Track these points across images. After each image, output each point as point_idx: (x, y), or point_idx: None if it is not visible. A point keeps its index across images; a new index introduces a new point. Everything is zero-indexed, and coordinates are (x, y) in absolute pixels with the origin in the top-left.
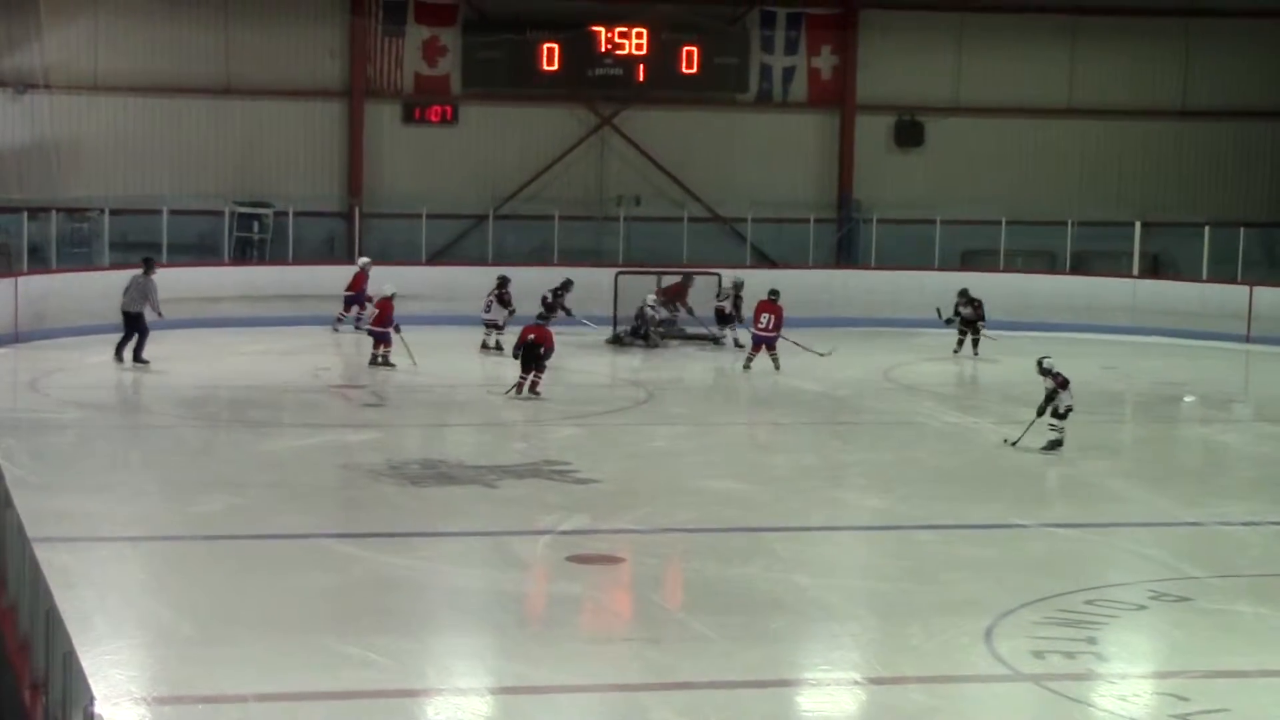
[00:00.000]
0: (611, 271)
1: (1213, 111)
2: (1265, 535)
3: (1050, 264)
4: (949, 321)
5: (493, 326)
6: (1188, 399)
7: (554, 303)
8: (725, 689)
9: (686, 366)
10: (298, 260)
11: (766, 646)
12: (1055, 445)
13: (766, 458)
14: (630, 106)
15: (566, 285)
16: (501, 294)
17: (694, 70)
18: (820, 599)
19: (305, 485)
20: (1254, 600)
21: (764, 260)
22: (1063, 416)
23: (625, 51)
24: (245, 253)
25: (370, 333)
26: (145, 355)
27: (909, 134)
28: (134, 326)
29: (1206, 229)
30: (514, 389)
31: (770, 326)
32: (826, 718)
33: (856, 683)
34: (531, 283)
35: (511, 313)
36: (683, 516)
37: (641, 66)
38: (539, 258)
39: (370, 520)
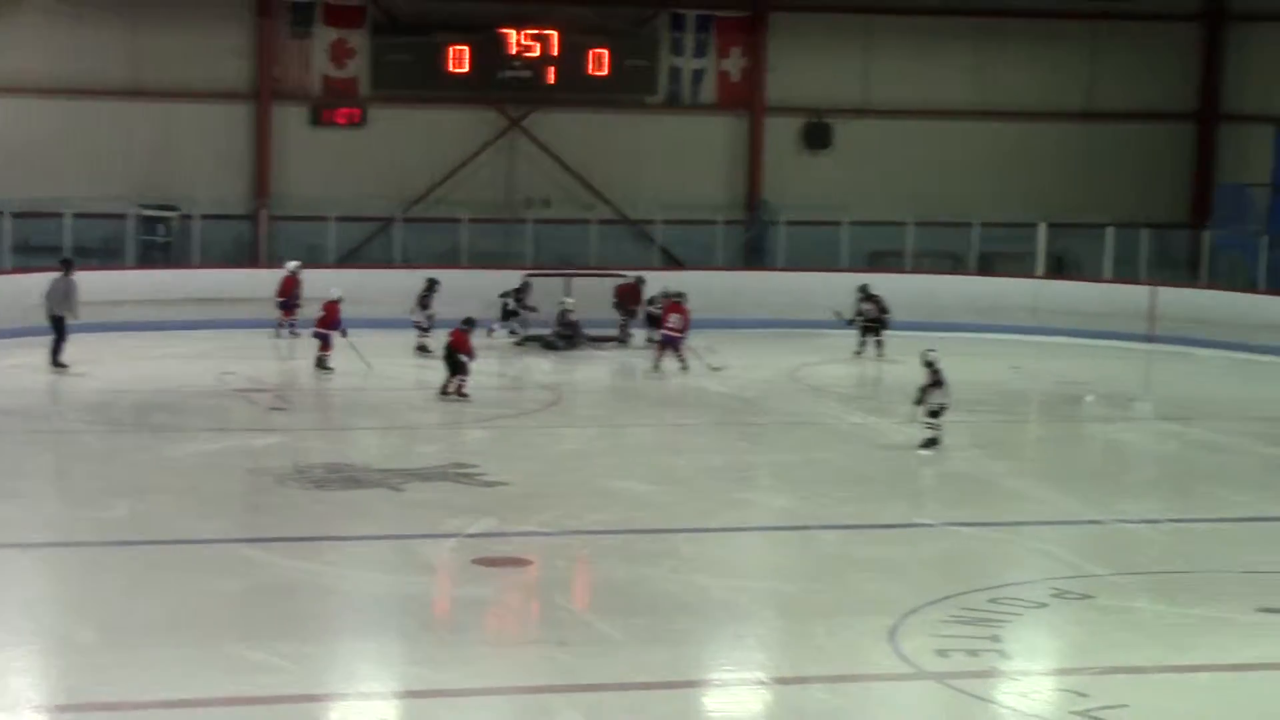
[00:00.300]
0: (520, 274)
1: (1117, 114)
2: (1165, 533)
3: (956, 265)
4: (850, 323)
5: (419, 329)
6: (1089, 398)
7: (517, 306)
8: (632, 690)
9: (595, 369)
10: (204, 264)
11: (672, 648)
12: (931, 443)
13: (674, 459)
14: (539, 109)
15: (526, 287)
16: (424, 297)
17: (603, 73)
18: (726, 600)
19: (210, 490)
20: (1153, 597)
21: (673, 262)
22: (935, 415)
23: (534, 54)
24: (150, 256)
25: (315, 335)
26: (64, 359)
27: (817, 136)
28: (60, 329)
29: (1109, 230)
30: (441, 391)
31: (678, 327)
32: (732, 718)
33: (761, 683)
34: (458, 286)
35: (430, 316)
36: (590, 519)
37: (551, 69)
38: (448, 260)
39: (276, 525)
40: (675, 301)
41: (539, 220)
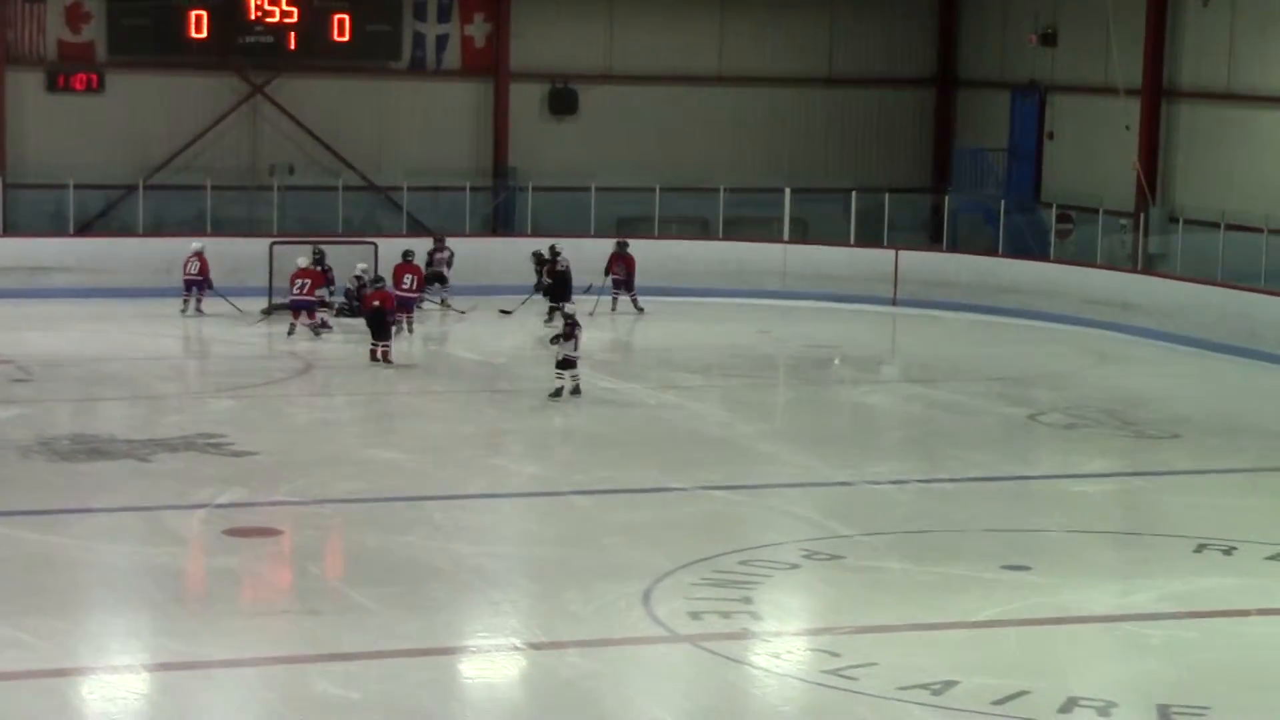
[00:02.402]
0: (266, 241)
1: (858, 79)
2: (912, 493)
3: (703, 230)
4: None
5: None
6: (837, 361)
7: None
8: (386, 658)
9: (351, 339)
10: None
11: (427, 615)
12: (557, 394)
13: (425, 426)
14: (282, 75)
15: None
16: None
17: (346, 38)
18: (480, 566)
19: None
20: (901, 557)
21: (421, 229)
22: (562, 366)
23: (276, 19)
24: None
25: (294, 304)
26: None
27: (563, 102)
28: None
29: (854, 194)
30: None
31: (413, 287)
32: (487, 684)
33: (516, 649)
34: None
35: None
36: (342, 487)
37: (293, 34)
38: (193, 228)
39: (19, 498)
40: (407, 263)
41: (284, 187)
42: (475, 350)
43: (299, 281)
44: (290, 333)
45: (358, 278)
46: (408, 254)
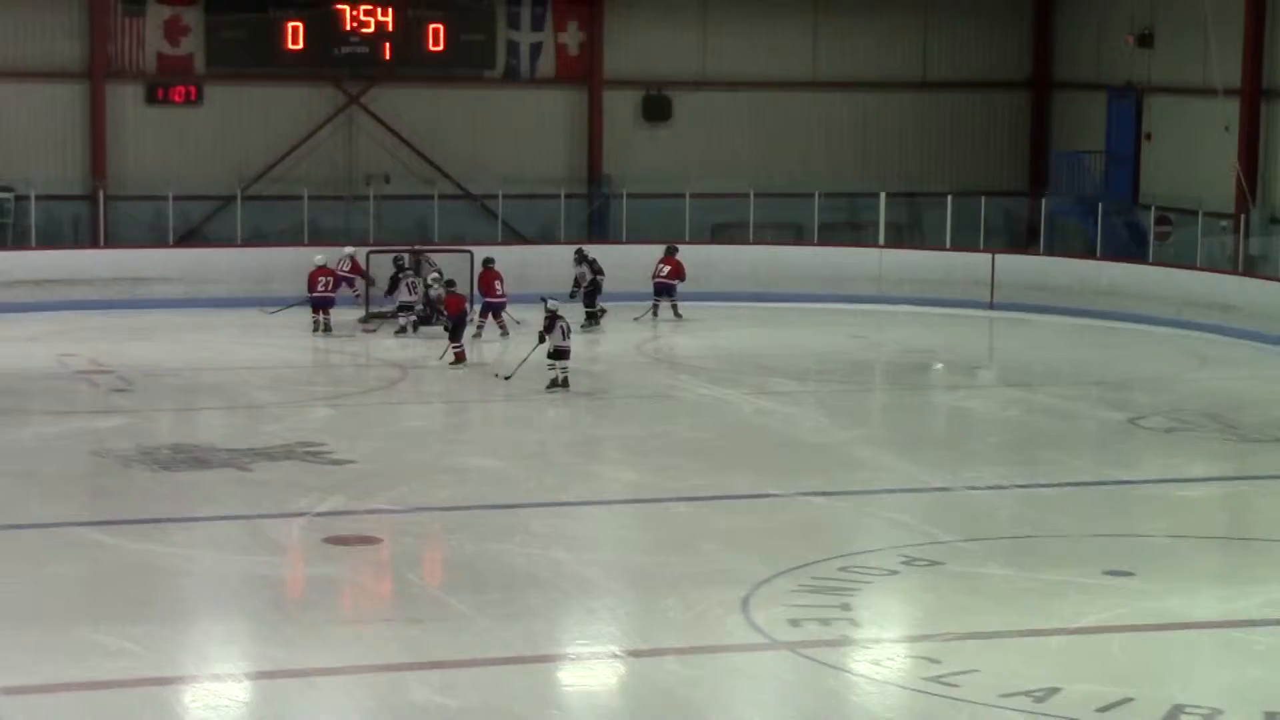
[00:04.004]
0: (364, 251)
1: (952, 83)
2: (1011, 498)
3: (798, 235)
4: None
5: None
6: (938, 366)
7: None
8: (484, 666)
9: (439, 346)
10: (41, 245)
11: (524, 622)
12: (553, 385)
13: (521, 434)
14: (378, 85)
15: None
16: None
17: (440, 48)
18: (577, 573)
19: (54, 473)
20: (1002, 562)
21: (516, 237)
22: (553, 356)
23: (371, 30)
24: None
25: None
26: None
27: (657, 108)
28: None
29: (949, 198)
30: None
31: (500, 293)
32: (585, 691)
33: (615, 656)
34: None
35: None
36: (439, 495)
37: (387, 44)
38: (289, 238)
39: (122, 507)
40: (491, 269)
41: (380, 196)
42: (572, 358)
43: (321, 279)
44: (315, 330)
45: (434, 283)
46: (489, 261)
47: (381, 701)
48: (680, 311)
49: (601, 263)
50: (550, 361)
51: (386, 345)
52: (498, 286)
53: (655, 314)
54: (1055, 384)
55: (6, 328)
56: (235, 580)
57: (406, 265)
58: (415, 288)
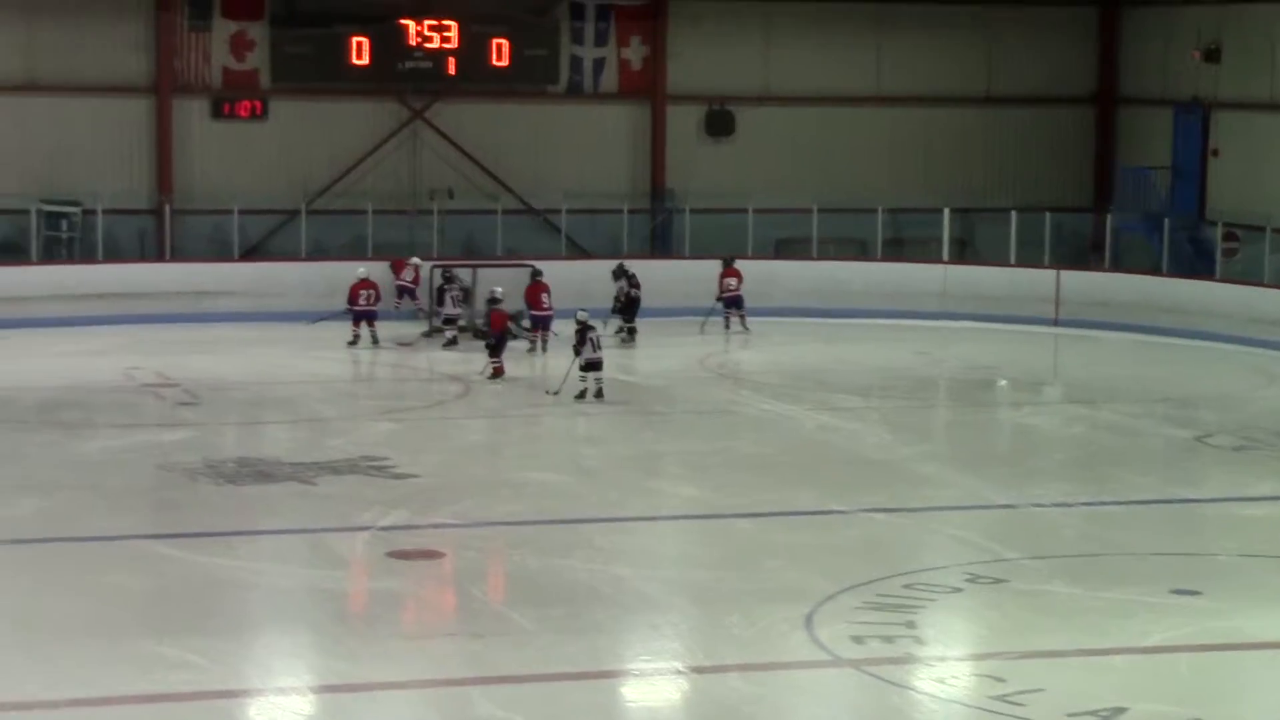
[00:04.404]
0: (427, 265)
1: (1016, 98)
2: (1076, 516)
3: (861, 251)
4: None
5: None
6: (1002, 383)
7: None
8: (547, 681)
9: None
10: (108, 259)
11: (588, 638)
12: (581, 395)
13: (583, 449)
14: (441, 99)
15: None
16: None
17: (504, 63)
18: (640, 589)
19: (119, 486)
20: (1067, 580)
21: (579, 252)
22: (585, 369)
23: (435, 45)
24: (54, 252)
25: (361, 315)
26: None
27: (720, 123)
28: None
29: (1013, 214)
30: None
31: (546, 306)
32: (648, 708)
33: (678, 672)
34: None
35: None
36: (502, 510)
37: (451, 60)
38: (353, 252)
39: (187, 520)
40: (539, 282)
41: (444, 211)
42: (629, 372)
43: (363, 292)
44: (354, 343)
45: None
46: (537, 273)
47: (444, 716)
48: (748, 324)
49: (665, 278)
50: (582, 374)
51: (449, 359)
52: (544, 299)
53: (728, 325)
54: (1120, 401)
55: (73, 341)
56: (299, 594)
57: (452, 278)
58: (459, 301)
